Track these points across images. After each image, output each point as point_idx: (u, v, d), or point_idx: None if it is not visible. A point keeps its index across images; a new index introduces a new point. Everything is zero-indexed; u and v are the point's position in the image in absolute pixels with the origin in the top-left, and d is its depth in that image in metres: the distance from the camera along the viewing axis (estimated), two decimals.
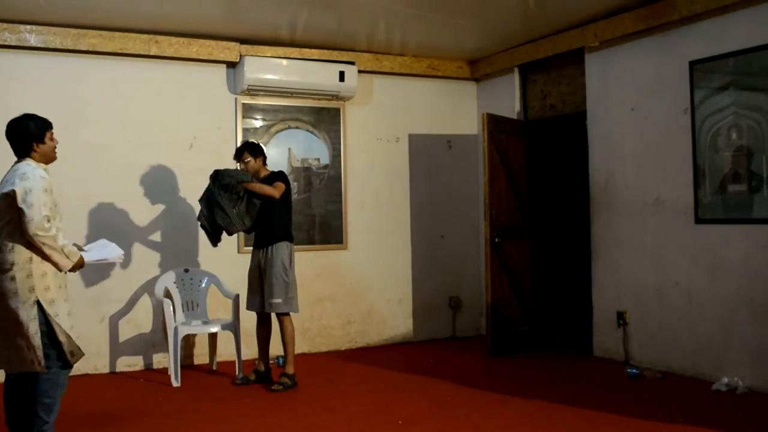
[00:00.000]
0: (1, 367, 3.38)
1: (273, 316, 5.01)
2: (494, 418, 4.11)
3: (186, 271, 5.49)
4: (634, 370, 5.01)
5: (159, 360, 5.61)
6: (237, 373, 5.19)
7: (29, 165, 3.37)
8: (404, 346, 6.45)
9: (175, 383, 4.97)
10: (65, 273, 3.41)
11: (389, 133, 6.61)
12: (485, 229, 5.78)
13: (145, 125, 5.64)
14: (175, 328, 5.04)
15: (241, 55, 5.79)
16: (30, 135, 3.42)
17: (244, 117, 6.00)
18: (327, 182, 6.31)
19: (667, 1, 4.96)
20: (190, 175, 5.70)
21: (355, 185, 6.43)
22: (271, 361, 5.65)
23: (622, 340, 5.46)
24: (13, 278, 3.25)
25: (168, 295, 5.31)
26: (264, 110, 6.08)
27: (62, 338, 3.30)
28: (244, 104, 5.99)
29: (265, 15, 5.27)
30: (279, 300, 4.82)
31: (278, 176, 4.94)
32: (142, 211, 5.61)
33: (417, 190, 6.70)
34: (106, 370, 5.42)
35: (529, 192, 6.29)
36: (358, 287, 6.41)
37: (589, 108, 5.76)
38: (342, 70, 6.04)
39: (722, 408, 4.22)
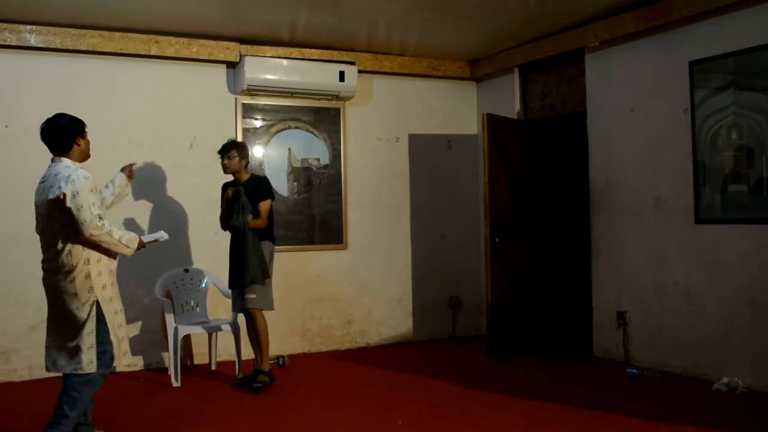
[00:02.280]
0: (47, 369, 3.49)
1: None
2: (494, 418, 4.11)
3: (186, 271, 5.49)
4: (634, 370, 5.01)
5: (159, 360, 5.61)
6: (237, 373, 5.19)
7: (69, 167, 3.44)
8: (404, 346, 6.45)
9: (175, 383, 4.98)
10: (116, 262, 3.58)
11: (389, 133, 6.61)
12: (485, 229, 5.78)
13: (145, 125, 5.64)
14: (175, 328, 5.04)
15: (241, 55, 5.79)
16: (73, 131, 3.52)
17: (244, 117, 6.00)
18: (327, 182, 6.31)
19: (667, 1, 4.96)
20: (190, 175, 5.70)
21: (355, 185, 6.43)
22: (270, 361, 5.67)
23: (622, 340, 5.46)
24: (72, 280, 3.36)
25: (168, 295, 5.31)
26: (264, 110, 6.08)
27: (113, 339, 3.45)
28: (244, 104, 5.99)
29: (265, 15, 5.27)
30: (254, 295, 4.82)
31: (263, 186, 4.91)
32: (142, 211, 5.61)
33: (417, 190, 6.70)
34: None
35: (529, 192, 6.29)
36: (358, 287, 6.41)
37: (589, 108, 5.76)
38: (342, 70, 6.04)
39: (722, 408, 4.22)
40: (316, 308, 6.22)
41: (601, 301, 5.68)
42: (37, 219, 3.50)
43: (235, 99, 5.97)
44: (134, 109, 5.61)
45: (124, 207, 5.51)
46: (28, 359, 5.20)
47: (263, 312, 4.93)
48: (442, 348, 6.35)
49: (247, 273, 4.77)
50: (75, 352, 3.37)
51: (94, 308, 3.40)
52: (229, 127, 5.92)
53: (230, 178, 5.00)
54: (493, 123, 5.85)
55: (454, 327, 6.84)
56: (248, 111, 6.02)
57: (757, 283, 4.53)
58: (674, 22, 4.97)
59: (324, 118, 6.30)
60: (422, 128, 6.75)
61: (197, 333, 5.46)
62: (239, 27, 5.53)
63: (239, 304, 4.93)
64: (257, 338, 4.91)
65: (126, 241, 3.47)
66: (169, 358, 5.11)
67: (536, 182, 6.47)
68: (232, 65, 5.93)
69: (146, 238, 3.71)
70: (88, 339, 3.37)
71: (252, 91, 5.87)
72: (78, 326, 3.36)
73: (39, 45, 5.23)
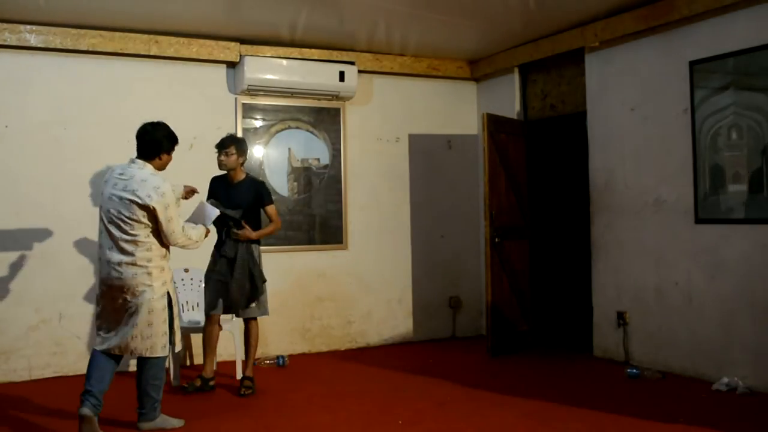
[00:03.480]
0: (123, 353, 3.81)
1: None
2: (494, 418, 4.11)
3: (186, 270, 5.49)
4: (634, 370, 5.01)
5: None
6: (237, 373, 5.18)
7: (155, 175, 3.80)
8: (404, 346, 6.45)
9: (175, 383, 4.97)
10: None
11: (389, 133, 6.61)
12: (485, 229, 5.78)
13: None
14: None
15: (241, 55, 5.79)
16: (162, 146, 3.89)
17: (244, 117, 6.00)
18: (327, 182, 6.31)
19: (667, 1, 4.96)
20: (190, 175, 5.67)
21: (355, 185, 6.43)
22: (270, 361, 5.67)
23: (622, 340, 5.46)
24: (149, 273, 3.75)
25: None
26: (264, 110, 6.08)
27: (175, 324, 3.91)
28: (244, 104, 5.99)
29: (265, 15, 5.27)
30: (255, 304, 4.78)
31: (266, 190, 4.88)
32: None
33: (417, 190, 6.70)
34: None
35: (529, 192, 6.29)
36: (358, 287, 6.41)
37: (589, 108, 5.76)
38: (342, 70, 6.04)
39: (722, 408, 4.22)
40: (316, 308, 6.22)
41: (601, 301, 5.68)
42: (108, 211, 3.75)
43: (235, 99, 5.97)
44: (134, 109, 5.59)
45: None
46: (28, 359, 5.20)
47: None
48: (442, 348, 6.35)
49: (258, 288, 4.73)
50: (155, 339, 3.76)
51: (166, 299, 3.82)
52: (229, 127, 5.92)
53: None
54: (493, 123, 5.85)
55: (454, 327, 6.84)
56: (248, 111, 6.02)
57: (757, 283, 4.53)
58: (674, 22, 4.97)
59: (324, 118, 6.30)
60: (422, 128, 6.75)
61: (197, 333, 5.45)
62: (239, 27, 5.53)
63: (221, 308, 4.77)
64: (249, 345, 4.85)
65: (197, 238, 3.95)
66: (169, 358, 5.11)
67: (536, 182, 6.47)
68: (232, 65, 5.93)
69: (207, 223, 4.10)
70: (163, 326, 3.79)
71: (252, 91, 5.87)
72: (156, 315, 3.75)
73: (39, 45, 5.23)
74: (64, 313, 5.34)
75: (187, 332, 5.29)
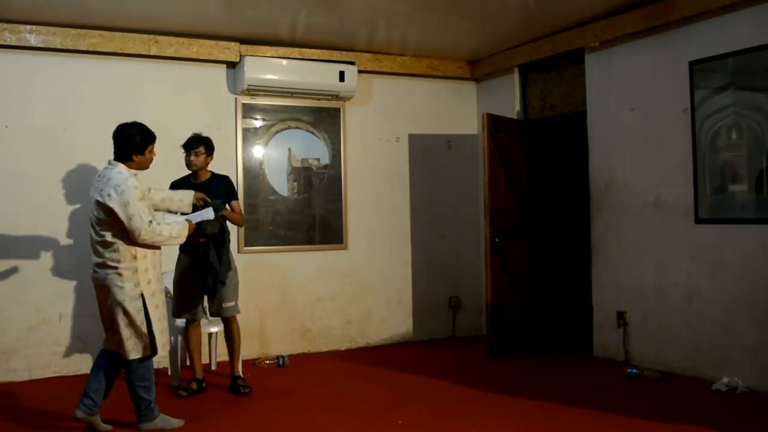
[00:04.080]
0: (110, 348, 3.82)
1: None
2: (494, 418, 4.11)
3: None
4: (634, 370, 5.01)
5: (159, 360, 5.57)
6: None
7: (121, 174, 3.71)
8: (404, 345, 6.45)
9: (175, 383, 4.97)
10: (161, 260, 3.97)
11: (389, 133, 6.61)
12: (485, 229, 5.78)
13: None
14: (175, 328, 5.04)
15: (241, 55, 5.79)
16: (134, 146, 3.79)
17: (244, 117, 6.00)
18: (327, 182, 6.31)
19: (667, 1, 4.96)
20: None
21: (355, 185, 6.43)
22: (270, 361, 5.67)
23: (622, 340, 5.46)
24: (120, 274, 3.69)
25: (168, 295, 5.30)
26: (264, 110, 6.08)
27: (159, 328, 3.80)
28: (244, 104, 5.99)
29: (265, 15, 5.27)
30: (232, 303, 4.75)
31: (232, 186, 4.84)
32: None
33: (417, 190, 6.70)
34: None
35: (529, 192, 6.29)
36: (358, 287, 6.41)
37: (589, 108, 5.76)
38: (342, 70, 6.04)
39: (722, 408, 4.22)
40: (316, 308, 6.22)
41: (601, 301, 5.68)
42: (90, 214, 3.78)
43: (235, 99, 5.97)
44: (134, 109, 5.59)
45: None
46: (27, 359, 5.20)
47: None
48: (442, 348, 6.35)
49: (232, 283, 4.72)
50: (134, 340, 3.72)
51: (141, 301, 3.73)
52: (229, 127, 5.92)
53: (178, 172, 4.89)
54: (493, 123, 5.85)
55: (454, 327, 6.84)
56: (248, 111, 6.02)
57: (757, 283, 4.53)
58: (674, 22, 4.97)
59: (324, 118, 6.30)
60: (422, 128, 6.75)
61: None
62: (239, 27, 5.53)
63: (200, 311, 4.75)
64: (233, 344, 4.83)
65: (176, 234, 3.84)
66: (169, 358, 5.11)
67: (536, 182, 6.47)
68: (232, 65, 5.92)
69: (194, 219, 4.06)
70: (140, 328, 3.72)
71: (252, 91, 5.87)
72: (131, 317, 3.70)
73: (39, 45, 5.22)
74: (64, 313, 5.34)
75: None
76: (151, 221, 3.67)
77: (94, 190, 3.75)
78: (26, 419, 4.19)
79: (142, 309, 3.73)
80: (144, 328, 3.74)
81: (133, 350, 3.75)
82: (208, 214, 4.18)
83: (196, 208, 4.31)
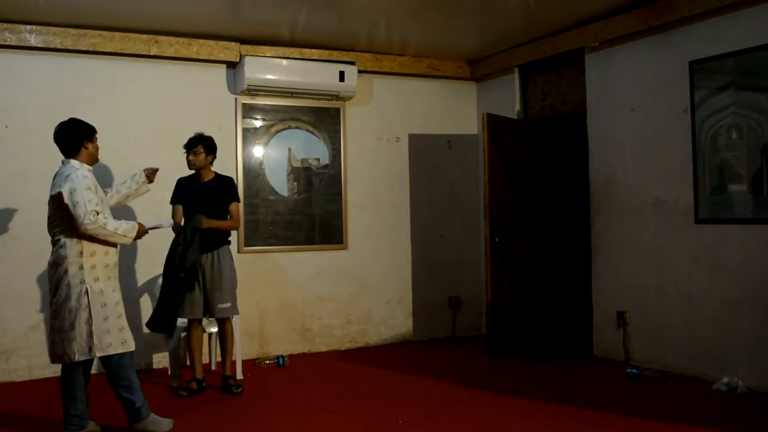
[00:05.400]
0: (54, 360, 3.73)
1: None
2: (494, 418, 4.11)
3: None
4: (634, 370, 5.01)
5: (159, 360, 5.61)
6: (237, 373, 5.18)
7: (73, 167, 3.71)
8: (404, 346, 6.45)
9: (175, 383, 4.97)
10: (117, 259, 3.84)
11: (389, 133, 6.61)
12: (485, 229, 5.78)
13: (145, 125, 5.64)
14: (175, 329, 5.03)
15: (241, 55, 5.79)
16: (82, 135, 3.78)
17: (244, 117, 6.00)
18: (327, 182, 6.31)
19: (667, 1, 4.96)
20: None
21: (355, 185, 6.43)
22: (269, 361, 5.67)
23: (622, 340, 5.46)
24: (66, 271, 3.62)
25: None
26: (264, 110, 6.08)
27: (98, 329, 3.63)
28: (244, 104, 5.99)
29: (265, 15, 5.27)
30: (228, 304, 4.74)
31: (233, 187, 4.84)
32: (143, 211, 5.60)
33: (417, 190, 6.70)
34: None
35: (529, 192, 6.29)
36: (358, 287, 6.41)
37: (589, 108, 5.76)
38: (342, 70, 6.04)
39: (722, 408, 4.22)
40: (316, 308, 6.23)
41: (601, 301, 5.68)
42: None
43: (235, 99, 5.97)
44: (134, 109, 5.61)
45: (124, 207, 5.51)
46: (27, 359, 5.21)
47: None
48: (442, 348, 6.35)
49: (231, 286, 4.74)
50: (72, 340, 3.61)
51: (86, 298, 3.62)
52: (229, 127, 5.92)
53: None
54: (493, 123, 5.85)
55: (454, 327, 6.84)
56: (248, 111, 6.02)
57: (757, 283, 4.53)
58: (674, 22, 4.97)
59: (324, 118, 6.30)
60: (422, 128, 6.76)
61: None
62: (239, 27, 5.53)
63: (199, 311, 4.72)
64: (226, 344, 4.82)
65: (123, 231, 3.71)
66: (169, 358, 5.11)
67: (536, 182, 6.47)
68: (232, 65, 5.93)
69: (148, 224, 3.98)
70: (85, 327, 3.62)
71: (252, 91, 5.87)
72: (76, 316, 3.61)
73: (39, 45, 5.22)
74: None
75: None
76: (97, 212, 3.58)
77: (51, 189, 3.71)
78: (26, 419, 4.19)
79: (87, 308, 3.61)
80: (89, 327, 3.61)
81: (78, 352, 3.61)
82: (165, 223, 4.25)
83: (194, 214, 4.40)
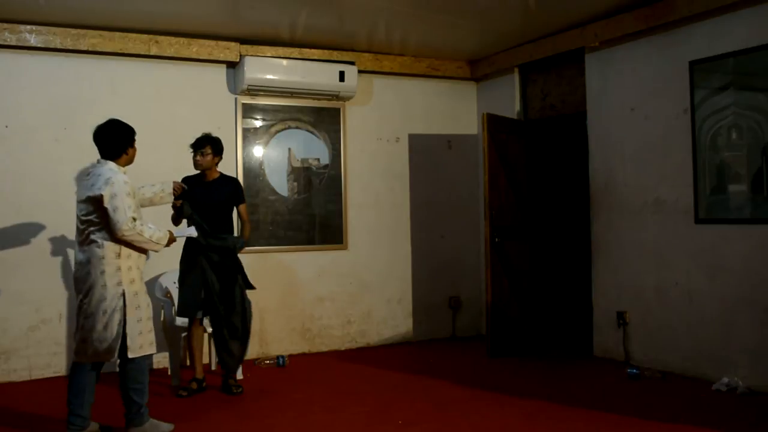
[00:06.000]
0: (81, 359, 3.72)
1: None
2: (494, 418, 4.11)
3: None
4: (634, 370, 5.01)
5: (159, 360, 5.60)
6: (237, 373, 5.18)
7: (112, 170, 3.72)
8: (404, 346, 6.45)
9: (175, 383, 4.97)
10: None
11: (389, 133, 6.61)
12: (485, 229, 5.78)
13: (145, 125, 5.57)
14: (175, 328, 5.04)
15: (241, 55, 5.79)
16: (126, 139, 3.84)
17: (244, 117, 6.00)
18: (327, 182, 6.31)
19: (667, 1, 4.96)
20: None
21: (355, 185, 6.43)
22: (270, 361, 5.67)
23: (622, 340, 5.46)
24: (102, 272, 3.64)
25: (167, 295, 5.31)
26: (264, 110, 6.08)
27: (132, 330, 3.68)
28: (244, 104, 5.99)
29: (265, 15, 5.27)
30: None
31: (240, 189, 4.86)
32: (142, 211, 5.59)
33: (417, 190, 6.70)
34: (105, 369, 5.39)
35: (529, 192, 6.29)
36: (358, 287, 6.41)
37: (589, 108, 5.76)
38: (342, 70, 6.04)
39: (722, 408, 4.22)
40: (316, 308, 6.23)
41: (601, 301, 5.68)
42: (78, 211, 3.75)
43: (235, 99, 5.97)
44: (134, 109, 5.59)
45: None
46: (28, 359, 5.21)
47: None
48: (442, 348, 6.35)
49: (243, 284, 4.74)
50: (109, 342, 3.63)
51: (122, 300, 3.65)
52: (229, 127, 5.92)
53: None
54: (493, 123, 5.85)
55: (454, 327, 6.84)
56: (248, 111, 6.02)
57: (757, 283, 4.53)
58: (674, 22, 4.97)
59: (324, 118, 6.30)
60: (422, 128, 6.76)
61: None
62: (239, 27, 5.53)
63: (204, 309, 4.73)
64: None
65: (156, 239, 3.78)
66: (169, 359, 5.12)
67: (536, 182, 6.46)
68: (232, 65, 5.93)
69: (177, 233, 4.12)
70: (118, 328, 3.64)
71: (252, 91, 5.87)
72: (110, 317, 3.62)
73: (39, 45, 5.23)
74: (64, 313, 5.34)
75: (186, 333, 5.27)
76: (134, 219, 3.64)
77: (83, 187, 3.73)
78: (26, 419, 4.19)
79: (122, 309, 3.65)
80: (121, 329, 3.65)
81: (111, 351, 3.65)
82: (192, 232, 4.34)
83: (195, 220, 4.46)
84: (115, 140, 3.80)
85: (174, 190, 4.37)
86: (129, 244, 3.70)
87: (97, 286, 3.63)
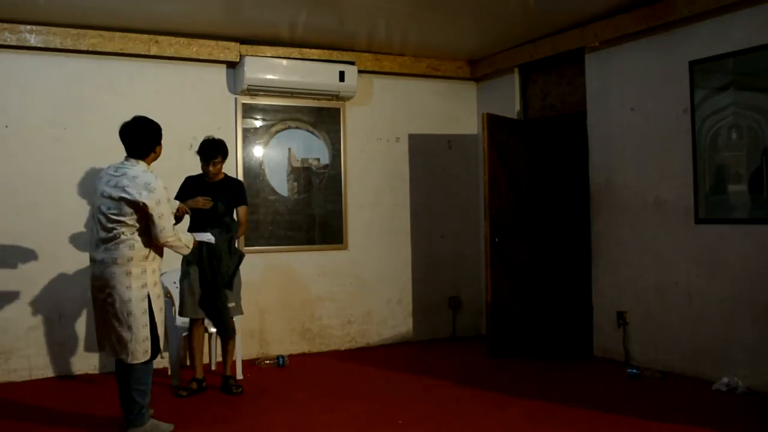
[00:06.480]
0: (102, 349, 3.79)
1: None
2: (494, 418, 4.11)
3: None
4: (634, 370, 5.01)
5: (159, 360, 5.58)
6: (237, 373, 5.18)
7: (146, 172, 3.71)
8: (404, 346, 6.45)
9: (175, 383, 4.97)
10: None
11: (389, 133, 6.61)
12: (485, 229, 5.78)
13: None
14: (175, 328, 5.04)
15: (241, 55, 5.79)
16: (156, 137, 3.83)
17: (244, 117, 6.00)
18: (327, 182, 6.31)
19: (667, 1, 4.96)
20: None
21: (355, 185, 6.43)
22: (270, 361, 5.67)
23: (622, 340, 5.46)
24: (129, 272, 3.62)
25: (168, 295, 5.30)
26: (264, 110, 6.08)
27: (160, 330, 3.76)
28: (244, 104, 5.99)
29: (265, 15, 5.27)
30: (233, 304, 4.76)
31: (243, 190, 4.88)
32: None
33: (417, 190, 6.70)
34: (106, 369, 5.41)
35: (529, 192, 6.29)
36: (358, 287, 6.41)
37: (589, 108, 5.76)
38: (342, 70, 6.04)
39: (722, 408, 4.22)
40: (316, 308, 6.23)
41: (601, 301, 5.68)
42: (99, 209, 3.68)
43: (235, 99, 5.97)
44: (134, 109, 5.55)
45: None
46: (27, 359, 5.20)
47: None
48: (442, 348, 6.35)
49: (237, 286, 4.77)
50: (131, 343, 3.63)
51: (147, 302, 3.66)
52: (229, 127, 5.92)
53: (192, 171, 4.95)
54: (493, 123, 5.85)
55: (454, 327, 6.84)
56: (248, 111, 6.02)
57: (757, 283, 4.53)
58: (674, 22, 4.97)
59: (324, 118, 6.30)
60: (422, 128, 6.76)
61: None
62: (239, 27, 5.53)
63: (204, 310, 4.73)
64: (228, 345, 4.82)
65: (186, 243, 3.90)
66: (169, 359, 5.12)
67: (536, 182, 6.46)
68: (232, 65, 5.93)
69: (198, 237, 4.30)
70: (143, 331, 3.65)
71: (252, 91, 5.87)
72: (134, 318, 3.62)
73: (39, 45, 5.22)
74: (64, 313, 5.34)
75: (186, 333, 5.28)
76: (174, 224, 3.78)
77: (108, 185, 3.65)
78: (26, 419, 4.19)
79: (147, 310, 3.66)
80: (147, 331, 3.66)
81: (134, 353, 3.64)
82: (210, 237, 4.51)
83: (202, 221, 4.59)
84: (143, 138, 3.77)
85: (178, 210, 4.43)
86: (159, 248, 3.75)
87: (122, 286, 3.61)
